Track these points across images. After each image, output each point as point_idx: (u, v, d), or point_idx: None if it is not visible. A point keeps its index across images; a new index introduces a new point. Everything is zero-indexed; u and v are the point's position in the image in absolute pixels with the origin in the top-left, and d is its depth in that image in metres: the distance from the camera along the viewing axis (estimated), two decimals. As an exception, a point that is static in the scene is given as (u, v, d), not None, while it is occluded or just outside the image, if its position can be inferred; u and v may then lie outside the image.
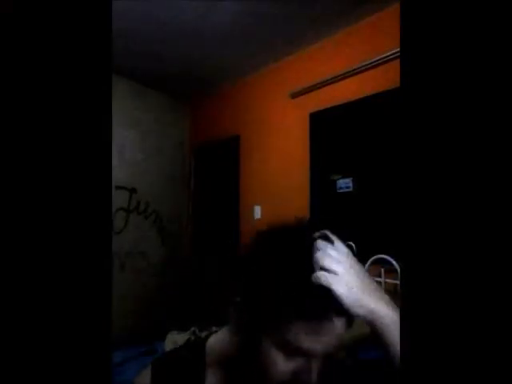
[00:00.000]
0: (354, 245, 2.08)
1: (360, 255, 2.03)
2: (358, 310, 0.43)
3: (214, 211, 3.46)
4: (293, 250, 0.47)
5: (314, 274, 0.43)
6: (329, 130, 2.43)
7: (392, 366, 0.44)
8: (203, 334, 1.97)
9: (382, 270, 1.89)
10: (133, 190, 3.23)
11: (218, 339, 0.60)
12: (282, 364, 0.45)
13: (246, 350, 0.50)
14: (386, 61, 2.09)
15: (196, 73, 3.08)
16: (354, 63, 2.26)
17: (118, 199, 3.08)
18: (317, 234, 0.49)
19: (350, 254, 0.49)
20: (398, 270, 1.77)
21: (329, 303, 0.43)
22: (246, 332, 0.50)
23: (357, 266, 0.47)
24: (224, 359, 0.57)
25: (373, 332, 0.45)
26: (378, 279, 1.91)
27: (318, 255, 0.45)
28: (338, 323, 0.44)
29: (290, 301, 0.43)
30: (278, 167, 2.80)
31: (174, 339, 1.93)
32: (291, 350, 0.45)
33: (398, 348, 0.43)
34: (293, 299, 0.43)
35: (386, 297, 0.47)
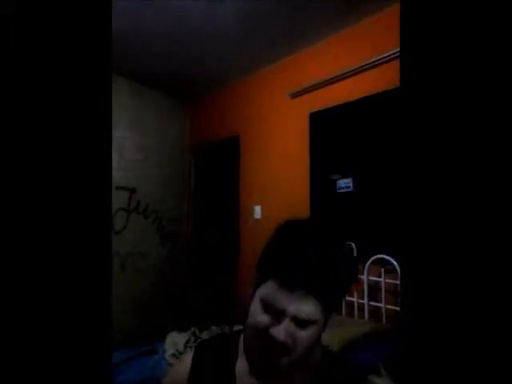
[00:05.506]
0: (353, 245, 2.08)
1: (360, 255, 2.03)
2: None
3: (213, 211, 3.46)
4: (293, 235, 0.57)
5: None
6: (329, 130, 2.43)
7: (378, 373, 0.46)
8: (203, 335, 1.97)
9: (382, 270, 1.89)
10: (133, 190, 3.23)
11: None
12: (260, 314, 0.55)
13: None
14: (386, 61, 2.09)
15: (196, 73, 3.08)
16: (353, 63, 2.26)
17: (118, 199, 3.08)
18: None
19: None
20: (398, 269, 1.77)
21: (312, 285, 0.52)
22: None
23: None
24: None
25: None
26: (378, 279, 1.92)
27: None
28: (310, 300, 0.52)
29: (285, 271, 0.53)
30: (278, 167, 2.80)
31: (174, 339, 1.93)
32: (268, 305, 0.54)
33: None
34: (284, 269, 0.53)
35: None
